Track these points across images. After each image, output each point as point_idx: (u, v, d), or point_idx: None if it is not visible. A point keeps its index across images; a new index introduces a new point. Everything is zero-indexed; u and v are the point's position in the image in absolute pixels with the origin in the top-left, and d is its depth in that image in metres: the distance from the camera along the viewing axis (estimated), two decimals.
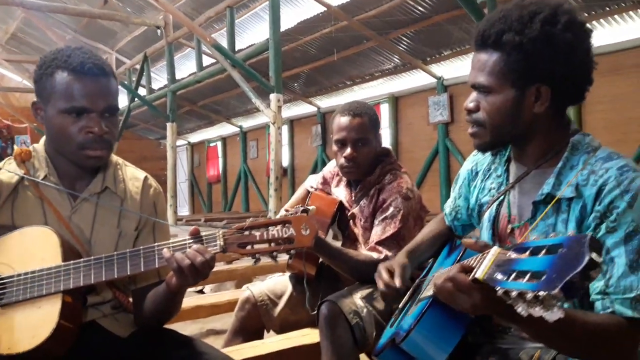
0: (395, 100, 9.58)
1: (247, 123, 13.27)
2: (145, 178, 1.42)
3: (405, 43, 8.22)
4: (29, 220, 1.25)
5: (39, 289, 1.14)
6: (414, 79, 9.03)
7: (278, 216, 1.24)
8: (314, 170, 11.22)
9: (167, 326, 1.37)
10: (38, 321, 1.12)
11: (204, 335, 3.11)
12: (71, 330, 1.15)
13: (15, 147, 12.26)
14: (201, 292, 3.88)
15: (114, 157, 1.39)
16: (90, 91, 1.23)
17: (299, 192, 2.06)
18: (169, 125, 8.90)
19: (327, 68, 9.51)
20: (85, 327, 1.22)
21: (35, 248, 1.19)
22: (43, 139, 1.36)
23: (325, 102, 10.99)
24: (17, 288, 1.15)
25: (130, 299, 1.33)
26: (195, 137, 15.63)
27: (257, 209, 12.67)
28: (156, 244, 1.19)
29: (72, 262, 1.17)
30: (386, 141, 9.28)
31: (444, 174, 8.61)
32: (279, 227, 1.17)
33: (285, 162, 11.69)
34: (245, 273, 3.60)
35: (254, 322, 1.89)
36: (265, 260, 1.23)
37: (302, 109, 11.53)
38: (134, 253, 1.18)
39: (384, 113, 9.62)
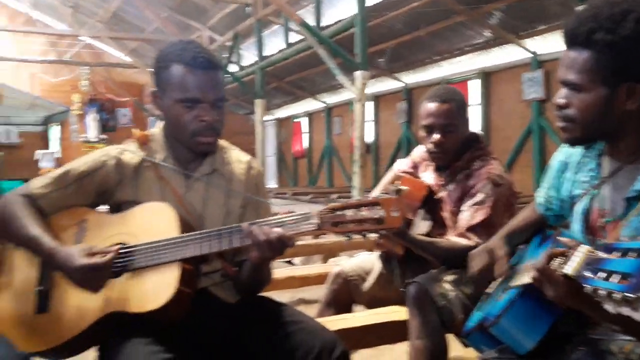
0: (486, 77, 9.26)
1: (332, 99, 13.37)
2: (249, 161, 1.55)
3: (497, 17, 7.89)
4: (149, 197, 1.40)
5: (160, 256, 1.29)
6: (507, 54, 8.67)
7: (370, 198, 1.31)
8: (399, 148, 11.16)
9: (263, 294, 1.50)
10: (161, 285, 1.27)
11: (295, 304, 3.30)
12: (188, 294, 1.29)
13: (117, 119, 12.99)
14: (290, 263, 4.09)
15: (221, 142, 1.52)
16: (201, 83, 1.36)
17: (388, 176, 2.11)
18: (257, 101, 9.18)
19: (414, 43, 9.34)
20: (199, 293, 1.36)
21: (156, 221, 1.34)
22: (161, 124, 1.50)
23: (412, 77, 10.82)
24: (142, 256, 1.30)
25: (235, 269, 1.47)
26: (282, 113, 15.98)
27: (340, 184, 12.84)
28: (258, 220, 1.31)
29: (187, 234, 1.31)
30: (476, 119, 9.03)
31: (537, 154, 8.26)
32: (369, 208, 1.24)
33: (370, 138, 11.69)
34: (332, 247, 3.77)
35: (344, 296, 1.99)
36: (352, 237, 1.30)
37: (387, 84, 11.44)
38: (238, 228, 1.30)
39: (474, 89, 9.34)
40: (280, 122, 16.36)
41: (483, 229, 1.71)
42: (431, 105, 1.81)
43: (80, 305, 1.28)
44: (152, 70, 1.44)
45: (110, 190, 1.42)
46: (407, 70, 10.64)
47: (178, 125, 1.39)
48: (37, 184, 1.39)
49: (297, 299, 3.48)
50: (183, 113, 1.37)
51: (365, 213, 1.23)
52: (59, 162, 14.10)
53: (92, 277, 1.25)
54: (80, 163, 1.41)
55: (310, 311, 2.04)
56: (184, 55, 1.36)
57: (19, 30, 12.78)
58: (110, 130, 15.28)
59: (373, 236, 1.43)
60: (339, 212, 1.25)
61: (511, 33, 8.08)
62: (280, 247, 1.26)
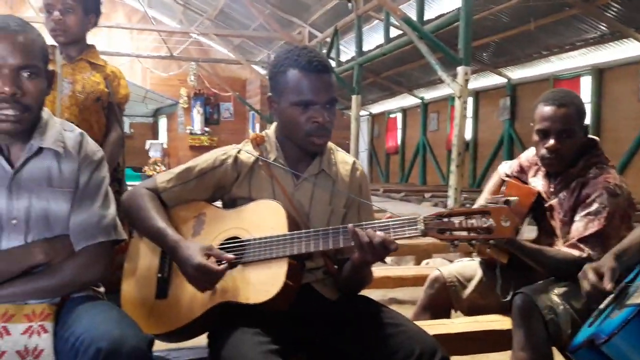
0: (600, 73, 8.64)
1: (429, 94, 13.12)
2: (354, 162, 1.58)
3: (614, 10, 7.32)
4: (261, 194, 1.47)
5: (269, 252, 1.36)
6: (623, 50, 8.03)
7: (475, 206, 1.28)
8: (499, 146, 10.73)
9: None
10: (269, 279, 1.33)
11: (387, 303, 3.30)
12: (293, 289, 1.34)
13: (220, 113, 13.59)
14: (383, 261, 4.09)
15: (329, 143, 1.56)
16: (315, 86, 1.41)
17: (494, 180, 2.05)
18: (354, 97, 9.21)
19: (521, 37, 8.91)
20: (302, 288, 1.41)
21: (267, 218, 1.41)
22: (273, 126, 1.58)
23: (517, 73, 10.34)
24: (254, 250, 1.38)
25: (336, 267, 1.50)
26: (377, 108, 15.93)
27: (434, 182, 12.59)
28: (364, 222, 1.33)
29: (296, 232, 1.36)
30: (587, 118, 8.45)
31: None
32: (478, 216, 1.22)
33: (468, 135, 11.35)
34: (426, 249, 3.71)
35: (441, 301, 1.97)
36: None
37: (489, 80, 11.02)
38: (344, 229, 1.33)
39: (585, 87, 8.75)
40: (374, 118, 16.32)
41: (596, 241, 1.62)
42: (548, 109, 1.73)
43: (195, 294, 1.38)
44: (269, 75, 1.52)
45: (227, 187, 1.51)
46: (512, 65, 10.19)
47: (293, 127, 1.45)
48: (161, 179, 1.51)
49: (389, 298, 3.47)
50: (298, 115, 1.43)
51: (474, 221, 1.21)
52: (165, 152, 15.07)
53: (203, 279, 1.32)
54: (202, 160, 1.52)
55: (402, 312, 2.04)
56: (299, 60, 1.42)
57: (134, 28, 13.75)
58: (213, 123, 16.04)
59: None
60: (445, 219, 1.24)
61: (629, 27, 7.46)
62: (383, 251, 1.28)
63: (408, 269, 3.00)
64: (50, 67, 1.32)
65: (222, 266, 1.31)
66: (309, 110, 1.42)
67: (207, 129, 15.82)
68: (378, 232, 1.27)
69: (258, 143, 1.54)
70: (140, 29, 13.81)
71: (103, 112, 2.09)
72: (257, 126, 15.29)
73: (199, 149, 13.99)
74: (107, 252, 1.30)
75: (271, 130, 1.57)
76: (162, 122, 16.42)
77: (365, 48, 9.78)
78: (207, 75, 15.39)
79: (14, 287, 1.19)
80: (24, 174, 1.23)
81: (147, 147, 14.25)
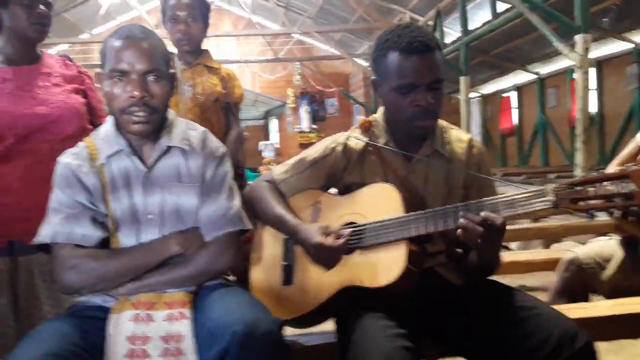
0: None
1: (545, 69, 12.25)
2: (470, 140, 1.51)
3: None
4: (374, 179, 1.46)
5: (387, 235, 1.34)
6: None
7: (607, 171, 1.16)
8: (629, 118, 9.77)
9: None
10: (389, 263, 1.32)
11: None
12: (415, 273, 1.32)
13: (325, 109, 13.79)
14: (507, 248, 3.87)
15: (440, 122, 1.51)
16: (416, 68, 1.36)
17: (630, 146, 1.86)
18: (462, 79, 8.87)
19: None
20: (426, 272, 1.38)
21: (381, 201, 1.40)
22: (381, 110, 1.55)
23: None
24: (371, 234, 1.37)
25: (459, 251, 1.45)
26: (488, 89, 15.21)
27: (557, 162, 11.76)
28: (485, 199, 1.26)
29: (412, 213, 1.33)
30: None
31: None
32: (615, 182, 1.10)
33: (592, 109, 10.46)
34: (555, 232, 3.39)
35: (578, 284, 1.83)
36: (578, 220, 1.18)
37: (612, 47, 10.04)
38: (464, 207, 1.27)
39: None
40: (486, 99, 15.59)
41: None
42: None
43: (320, 279, 1.40)
44: (370, 58, 1.49)
45: (339, 174, 1.52)
46: (638, 29, 9.21)
47: (396, 111, 1.43)
48: (278, 171, 1.57)
49: (518, 285, 3.28)
50: (399, 99, 1.39)
51: (612, 187, 1.10)
52: (278, 152, 15.60)
53: (325, 256, 1.37)
54: (313, 150, 1.54)
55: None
56: (399, 42, 1.38)
57: (240, 34, 14.37)
58: (320, 120, 16.32)
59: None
60: (579, 188, 1.14)
61: None
62: (491, 231, 1.22)
63: (537, 253, 2.80)
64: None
65: (340, 240, 1.34)
66: (410, 94, 1.38)
67: (314, 126, 16.12)
68: (488, 213, 1.21)
69: (366, 128, 1.53)
70: (245, 35, 14.41)
71: (222, 112, 2.21)
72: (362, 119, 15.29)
73: (308, 147, 14.26)
74: (235, 241, 1.37)
75: (379, 114, 1.55)
76: (273, 123, 17.02)
77: (470, 27, 9.38)
78: (311, 73, 15.69)
79: (154, 277, 1.28)
80: (156, 171, 1.33)
81: (260, 148, 14.86)
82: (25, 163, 1.67)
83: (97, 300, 1.28)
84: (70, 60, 1.94)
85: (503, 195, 1.24)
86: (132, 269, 1.27)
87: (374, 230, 1.37)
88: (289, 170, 1.55)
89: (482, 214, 1.21)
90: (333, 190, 1.57)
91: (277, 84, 15.60)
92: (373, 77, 1.48)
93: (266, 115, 17.04)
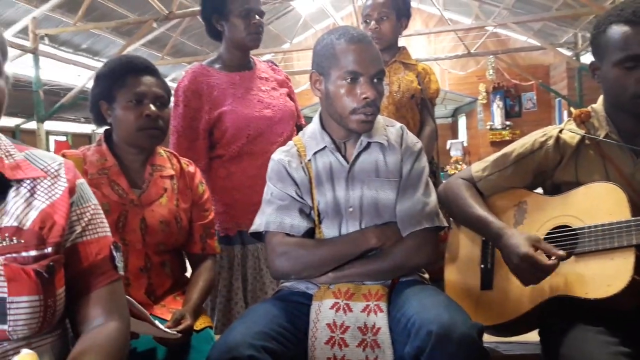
0: None
1: None
2: None
3: None
4: (591, 177, 1.30)
5: (610, 241, 1.19)
6: None
7: None
8: None
9: None
10: (612, 272, 1.16)
11: None
12: None
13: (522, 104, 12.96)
14: None
15: None
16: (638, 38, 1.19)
17: None
18: None
19: None
20: None
21: (602, 203, 1.24)
22: (600, 99, 1.38)
23: None
24: (589, 239, 1.22)
25: None
26: None
27: None
28: None
29: None
30: None
31: None
32: None
33: None
34: None
35: None
36: None
37: None
38: None
39: None
40: None
41: None
42: None
43: (523, 287, 1.29)
44: (590, 41, 1.34)
45: (549, 171, 1.39)
46: None
47: (617, 91, 1.26)
48: (476, 168, 1.49)
49: None
50: (622, 75, 1.23)
51: None
52: (466, 150, 15.10)
53: (529, 271, 1.24)
54: (519, 145, 1.43)
55: None
56: (622, 14, 1.23)
57: (431, 32, 14.21)
58: (514, 115, 15.35)
59: None
60: None
61: None
62: None
63: None
64: None
65: (552, 261, 1.20)
66: (636, 69, 1.20)
67: (507, 122, 15.21)
68: None
69: (583, 120, 1.37)
70: (437, 32, 14.19)
71: (417, 108, 2.19)
72: (564, 114, 13.98)
73: (500, 144, 13.54)
74: (431, 238, 1.34)
75: (598, 103, 1.38)
76: (462, 121, 16.52)
77: None
78: (505, 67, 14.83)
79: (354, 268, 1.32)
80: (356, 167, 1.37)
81: (447, 147, 14.53)
82: (256, 163, 1.86)
83: (300, 286, 1.37)
84: (276, 65, 2.12)
85: None
86: (334, 259, 1.32)
87: (593, 235, 1.22)
88: (489, 168, 1.46)
89: None
90: (539, 190, 1.44)
91: (468, 79, 15.08)
92: (592, 60, 1.33)
93: (455, 113, 16.61)
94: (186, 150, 1.82)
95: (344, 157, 1.38)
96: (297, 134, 1.56)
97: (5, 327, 0.81)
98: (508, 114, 15.37)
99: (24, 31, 7.36)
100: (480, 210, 1.39)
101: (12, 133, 9.64)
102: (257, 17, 1.90)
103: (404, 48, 2.25)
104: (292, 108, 1.99)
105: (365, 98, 1.28)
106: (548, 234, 1.31)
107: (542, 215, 1.34)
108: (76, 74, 8.91)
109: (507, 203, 1.43)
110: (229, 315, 1.85)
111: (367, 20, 2.16)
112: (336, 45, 1.32)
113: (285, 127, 1.93)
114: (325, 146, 1.38)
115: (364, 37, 1.33)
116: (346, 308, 1.26)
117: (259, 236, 1.42)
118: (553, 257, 1.21)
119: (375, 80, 1.31)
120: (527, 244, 1.23)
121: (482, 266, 1.42)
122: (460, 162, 13.74)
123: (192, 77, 1.90)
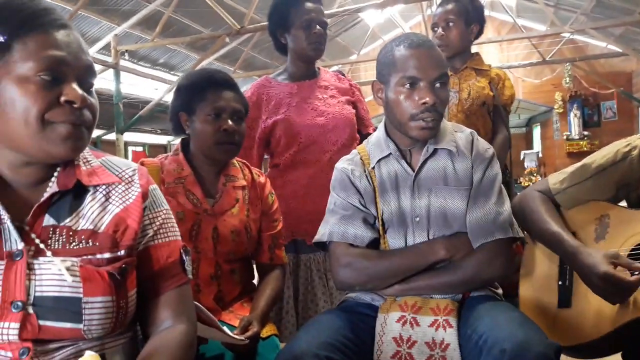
0: None
1: None
2: None
3: None
4: None
5: None
6: None
7: None
8: None
9: None
10: None
11: None
12: None
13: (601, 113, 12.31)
14: None
15: None
16: None
17: None
18: None
19: None
20: None
21: None
22: None
23: None
24: None
25: None
26: None
27: None
28: None
29: None
30: None
31: None
32: None
33: None
34: None
35: None
36: None
37: None
38: None
39: None
40: None
41: None
42: None
43: (603, 306, 1.21)
44: None
45: (633, 183, 1.30)
46: None
47: None
48: (554, 180, 1.41)
49: None
50: None
51: None
52: (540, 161, 14.48)
53: (611, 290, 1.16)
54: (600, 156, 1.35)
55: None
56: None
57: (503, 40, 13.79)
58: (593, 125, 14.59)
59: None
60: None
61: None
62: None
63: None
64: None
65: (635, 277, 1.12)
66: None
67: (585, 132, 14.47)
68: None
69: None
70: (509, 40, 13.78)
71: (489, 115, 2.12)
72: None
73: (577, 155, 12.88)
74: (505, 250, 1.28)
75: None
76: (536, 131, 15.89)
77: None
78: (583, 74, 14.14)
79: (421, 280, 1.28)
80: (423, 174, 1.33)
81: (521, 157, 14.00)
82: (310, 172, 1.88)
83: (366, 298, 1.34)
84: (343, 74, 2.12)
85: None
86: (400, 271, 1.28)
87: None
88: (567, 180, 1.38)
89: None
90: (623, 203, 1.35)
91: (543, 88, 14.51)
92: None
93: (529, 123, 16.00)
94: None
95: (409, 164, 1.35)
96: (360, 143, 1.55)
97: (81, 326, 0.84)
98: (586, 124, 14.62)
99: (106, 47, 7.86)
100: (555, 226, 1.31)
101: (94, 143, 10.26)
102: (318, 27, 1.91)
103: (476, 54, 2.20)
104: (349, 115, 1.96)
105: (424, 103, 1.25)
106: (633, 249, 1.22)
107: (627, 229, 1.25)
108: (153, 88, 9.38)
109: (588, 217, 1.34)
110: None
111: (435, 29, 2.14)
112: (396, 52, 1.30)
113: (340, 135, 1.91)
114: (390, 153, 1.35)
115: (423, 42, 1.30)
116: (413, 322, 1.23)
117: (323, 246, 1.41)
118: (637, 273, 1.12)
119: (437, 85, 1.27)
120: (605, 262, 1.15)
121: (560, 283, 1.34)
122: (535, 174, 13.18)
123: (254, 89, 1.98)
